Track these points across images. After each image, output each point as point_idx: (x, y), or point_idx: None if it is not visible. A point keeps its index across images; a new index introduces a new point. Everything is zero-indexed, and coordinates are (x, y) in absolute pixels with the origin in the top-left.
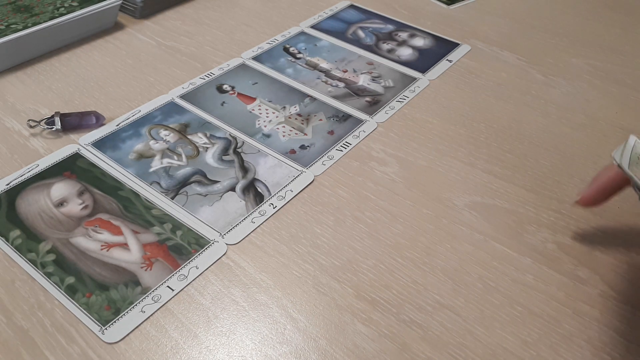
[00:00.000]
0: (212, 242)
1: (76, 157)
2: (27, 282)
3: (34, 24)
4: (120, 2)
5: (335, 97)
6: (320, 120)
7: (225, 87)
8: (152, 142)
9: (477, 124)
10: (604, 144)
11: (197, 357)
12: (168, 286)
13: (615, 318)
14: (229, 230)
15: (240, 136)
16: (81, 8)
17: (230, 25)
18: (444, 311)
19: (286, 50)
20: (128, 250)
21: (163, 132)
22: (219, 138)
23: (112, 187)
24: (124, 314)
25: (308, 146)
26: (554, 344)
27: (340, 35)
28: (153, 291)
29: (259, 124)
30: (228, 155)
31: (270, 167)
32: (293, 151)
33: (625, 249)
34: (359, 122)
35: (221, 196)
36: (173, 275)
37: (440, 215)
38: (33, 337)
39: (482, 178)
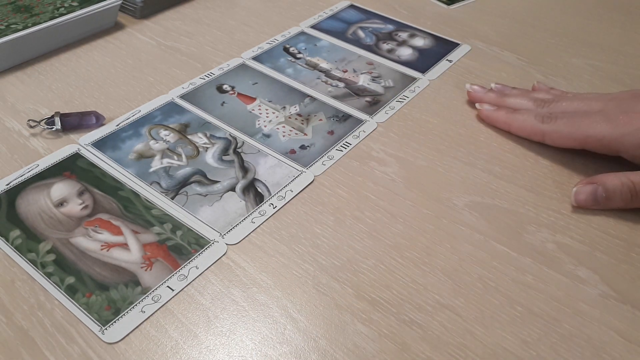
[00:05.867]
0: (212, 242)
1: (76, 157)
2: (27, 282)
3: (34, 24)
4: (120, 2)
5: (335, 97)
6: (320, 120)
7: (225, 87)
8: (152, 142)
9: (477, 124)
10: None
11: (197, 357)
12: (168, 286)
13: (615, 318)
14: (229, 230)
15: (240, 136)
16: (81, 8)
17: (230, 25)
18: (444, 311)
19: (286, 50)
20: (128, 250)
21: (163, 132)
22: (219, 138)
23: (112, 187)
24: (124, 314)
25: (308, 146)
26: (554, 344)
27: (340, 35)
28: (153, 291)
29: (259, 124)
30: (228, 155)
31: (270, 167)
32: (293, 151)
33: (625, 248)
34: (359, 122)
35: (221, 196)
36: (173, 275)
37: (440, 215)
38: (33, 337)
39: (482, 178)
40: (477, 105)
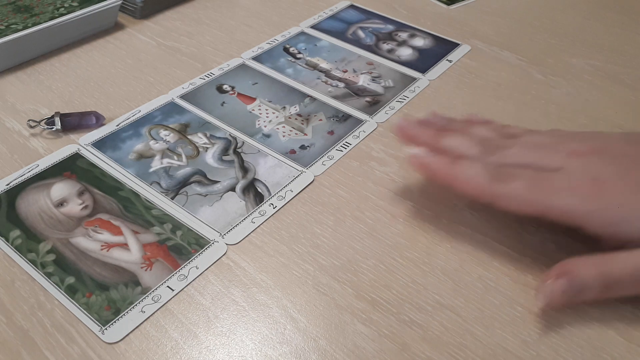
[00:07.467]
0: (212, 242)
1: (76, 157)
2: (27, 282)
3: (34, 24)
4: (120, 2)
5: (335, 97)
6: (320, 120)
7: (225, 87)
8: (152, 142)
9: None
10: None
11: (197, 357)
12: (168, 286)
13: (615, 318)
14: (229, 231)
15: (240, 136)
16: (81, 8)
17: (230, 25)
18: (444, 311)
19: (286, 50)
20: (128, 250)
21: (163, 132)
22: (219, 138)
23: (112, 187)
24: (124, 314)
25: (308, 146)
26: (554, 344)
27: (340, 35)
28: (153, 291)
29: (259, 124)
30: (228, 155)
31: (270, 167)
32: (293, 151)
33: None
34: (359, 122)
35: (221, 196)
36: (173, 275)
37: (440, 215)
38: (33, 337)
39: None
40: (408, 150)
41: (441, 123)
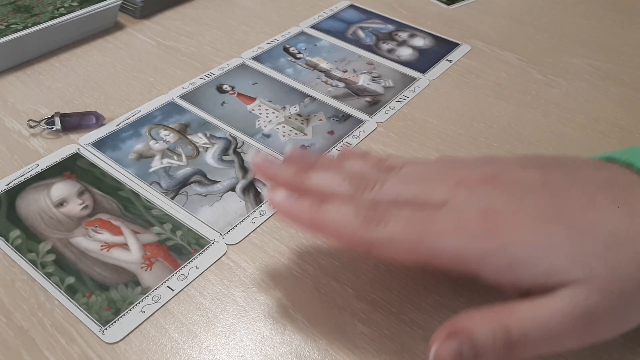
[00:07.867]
0: (212, 242)
1: (76, 157)
2: (27, 282)
3: (34, 24)
4: (120, 2)
5: (335, 97)
6: (320, 120)
7: (225, 87)
8: (152, 142)
9: (477, 124)
10: (604, 144)
11: (197, 357)
12: (168, 286)
13: None
14: (229, 231)
15: (240, 136)
16: (81, 8)
17: (230, 25)
18: (444, 311)
19: (286, 50)
20: (128, 250)
21: (163, 132)
22: (219, 138)
23: (112, 187)
24: (124, 314)
25: (308, 146)
26: None
27: (340, 35)
28: (153, 291)
29: (259, 124)
30: (228, 155)
31: None
32: None
33: None
34: (359, 122)
35: (221, 196)
36: (173, 275)
37: None
38: (33, 337)
39: None
40: (268, 192)
41: (308, 159)
